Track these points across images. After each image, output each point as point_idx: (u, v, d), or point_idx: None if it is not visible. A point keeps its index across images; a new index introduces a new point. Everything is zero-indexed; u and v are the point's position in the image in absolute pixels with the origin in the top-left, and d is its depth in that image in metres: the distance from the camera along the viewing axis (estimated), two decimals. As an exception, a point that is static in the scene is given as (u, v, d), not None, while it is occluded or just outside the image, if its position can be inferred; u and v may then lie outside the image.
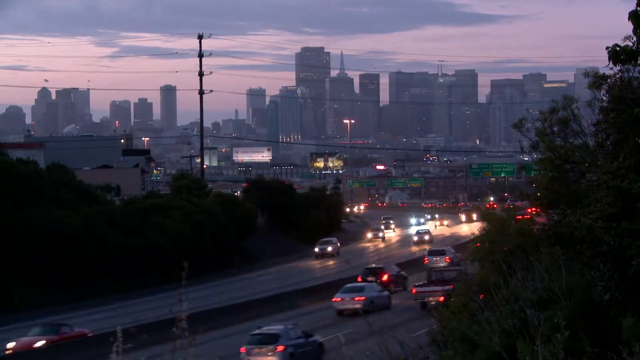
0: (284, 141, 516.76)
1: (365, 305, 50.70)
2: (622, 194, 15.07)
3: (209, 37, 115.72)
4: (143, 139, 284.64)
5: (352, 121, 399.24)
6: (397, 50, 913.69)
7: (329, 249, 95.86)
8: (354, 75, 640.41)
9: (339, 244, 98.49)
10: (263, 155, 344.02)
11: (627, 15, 12.98)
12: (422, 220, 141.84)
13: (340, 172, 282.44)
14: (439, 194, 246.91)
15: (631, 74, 16.66)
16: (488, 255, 27.15)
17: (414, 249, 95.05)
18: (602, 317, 14.66)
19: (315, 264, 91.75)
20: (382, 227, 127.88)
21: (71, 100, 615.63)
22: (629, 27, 13.22)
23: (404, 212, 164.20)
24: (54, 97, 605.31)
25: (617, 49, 13.49)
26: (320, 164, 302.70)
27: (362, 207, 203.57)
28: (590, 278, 15.59)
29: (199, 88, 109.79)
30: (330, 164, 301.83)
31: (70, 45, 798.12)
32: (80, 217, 73.60)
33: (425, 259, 73.20)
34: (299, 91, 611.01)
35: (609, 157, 16.46)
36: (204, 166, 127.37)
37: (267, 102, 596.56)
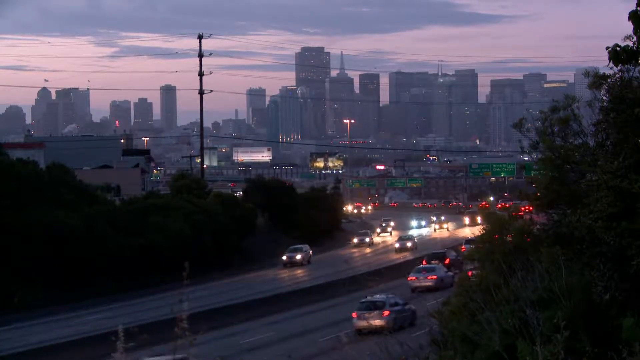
0: (284, 141, 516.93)
1: (437, 283, 59.30)
2: (622, 194, 15.07)
3: (209, 37, 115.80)
4: (143, 139, 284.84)
5: (352, 121, 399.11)
6: (397, 50, 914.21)
7: (298, 257, 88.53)
8: (354, 75, 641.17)
9: (310, 252, 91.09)
10: (263, 155, 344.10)
11: (627, 15, 12.98)
12: (423, 222, 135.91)
13: (340, 172, 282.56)
14: (439, 194, 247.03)
15: (631, 73, 16.66)
16: (488, 255, 27.13)
17: (395, 256, 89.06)
18: (602, 317, 14.65)
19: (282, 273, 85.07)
20: (378, 230, 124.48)
21: (71, 100, 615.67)
22: (629, 27, 13.22)
23: (411, 213, 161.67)
24: (54, 97, 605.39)
25: (618, 48, 13.49)
26: (320, 164, 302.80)
27: (369, 207, 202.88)
28: (590, 278, 15.58)
29: (199, 88, 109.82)
30: (330, 164, 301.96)
31: (71, 45, 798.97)
32: (80, 217, 73.58)
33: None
34: (299, 91, 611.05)
35: (609, 157, 16.45)
36: (204, 166, 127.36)
37: (267, 102, 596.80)
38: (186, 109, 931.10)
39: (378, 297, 47.68)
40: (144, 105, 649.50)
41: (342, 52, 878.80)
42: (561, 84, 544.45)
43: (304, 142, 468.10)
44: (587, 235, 16.23)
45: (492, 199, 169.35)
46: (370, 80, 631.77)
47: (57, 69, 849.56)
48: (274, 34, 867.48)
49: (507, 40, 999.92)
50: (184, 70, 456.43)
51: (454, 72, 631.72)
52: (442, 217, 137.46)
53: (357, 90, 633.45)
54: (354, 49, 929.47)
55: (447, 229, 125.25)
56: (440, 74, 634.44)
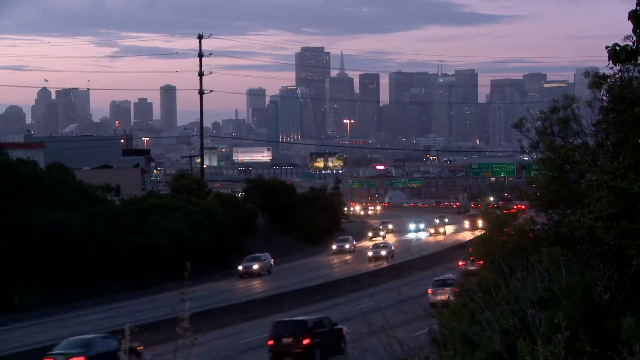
0: (284, 141, 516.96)
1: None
2: (622, 194, 15.08)
3: (209, 37, 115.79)
4: (143, 139, 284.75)
5: (352, 121, 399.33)
6: (397, 50, 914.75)
7: (255, 267, 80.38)
8: (354, 75, 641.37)
9: (271, 261, 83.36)
10: (263, 155, 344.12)
11: (627, 15, 12.98)
12: (421, 225, 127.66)
13: (340, 172, 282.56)
14: (438, 194, 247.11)
15: (631, 73, 16.66)
16: (488, 255, 27.15)
17: (369, 265, 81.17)
18: (602, 317, 14.66)
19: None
20: (370, 234, 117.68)
21: (71, 100, 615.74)
22: (629, 27, 13.22)
23: (420, 214, 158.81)
24: (54, 97, 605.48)
25: (617, 48, 13.49)
26: (320, 164, 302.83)
27: (378, 208, 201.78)
28: (590, 278, 15.59)
29: (199, 88, 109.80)
30: (330, 164, 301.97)
31: (71, 45, 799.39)
32: (80, 217, 73.58)
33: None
34: (299, 91, 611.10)
35: (609, 157, 16.47)
36: (204, 166, 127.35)
37: (267, 102, 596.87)
38: (186, 109, 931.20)
39: (448, 276, 51.65)
40: (144, 105, 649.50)
41: (342, 52, 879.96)
42: (561, 84, 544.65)
43: (304, 142, 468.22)
44: (587, 235, 16.23)
45: (492, 199, 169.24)
46: (370, 80, 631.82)
47: (57, 69, 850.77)
48: (274, 34, 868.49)
49: (507, 40, 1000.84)
50: (184, 70, 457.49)
51: (454, 72, 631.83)
52: (446, 220, 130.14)
53: (357, 90, 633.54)
54: (354, 49, 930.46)
55: (444, 233, 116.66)
56: (440, 74, 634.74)
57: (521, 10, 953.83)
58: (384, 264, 79.71)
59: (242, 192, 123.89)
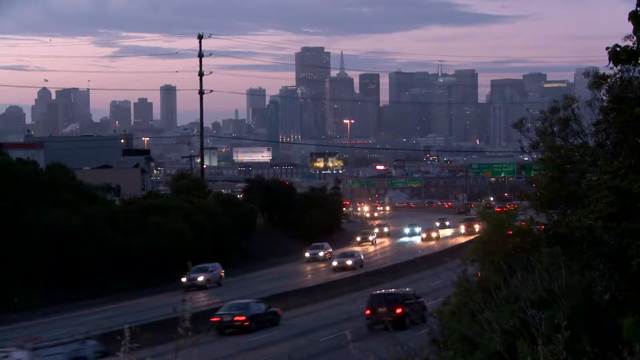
0: (284, 141, 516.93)
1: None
2: (622, 194, 15.09)
3: (209, 37, 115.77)
4: (143, 139, 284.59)
5: (352, 121, 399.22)
6: (397, 50, 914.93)
7: (200, 279, 72.65)
8: (354, 75, 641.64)
9: (221, 272, 75.73)
10: (263, 155, 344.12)
11: (627, 16, 12.99)
12: (417, 229, 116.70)
13: (340, 172, 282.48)
14: (439, 194, 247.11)
15: (631, 73, 16.67)
16: (488, 255, 27.14)
17: (333, 276, 74.84)
18: (602, 317, 14.66)
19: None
20: (358, 238, 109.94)
21: (71, 100, 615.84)
22: (629, 27, 13.24)
23: (428, 214, 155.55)
24: (54, 97, 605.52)
25: (618, 49, 13.51)
26: (320, 164, 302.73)
27: (387, 208, 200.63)
28: (590, 278, 15.59)
29: (199, 88, 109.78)
30: (330, 164, 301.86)
31: (71, 45, 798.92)
32: (80, 217, 73.58)
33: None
34: (299, 91, 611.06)
35: (609, 157, 16.48)
36: (204, 166, 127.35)
37: (267, 102, 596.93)
38: (186, 109, 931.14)
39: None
40: (144, 105, 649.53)
41: (342, 52, 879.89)
42: (561, 84, 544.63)
43: (304, 142, 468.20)
44: (587, 235, 16.25)
45: (492, 199, 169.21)
46: (370, 80, 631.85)
47: (57, 69, 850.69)
48: (274, 34, 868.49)
49: (507, 40, 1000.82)
50: (184, 70, 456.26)
51: (454, 72, 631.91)
52: (447, 222, 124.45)
53: (357, 90, 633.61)
54: (354, 49, 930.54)
55: (437, 238, 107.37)
56: (440, 74, 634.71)
57: (521, 10, 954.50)
58: (349, 274, 73.12)
59: (242, 192, 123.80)
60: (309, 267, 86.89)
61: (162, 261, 74.68)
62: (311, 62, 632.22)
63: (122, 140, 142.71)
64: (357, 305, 46.11)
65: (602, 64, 15.26)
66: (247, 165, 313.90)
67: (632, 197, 14.93)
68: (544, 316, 13.12)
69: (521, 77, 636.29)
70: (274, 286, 68.75)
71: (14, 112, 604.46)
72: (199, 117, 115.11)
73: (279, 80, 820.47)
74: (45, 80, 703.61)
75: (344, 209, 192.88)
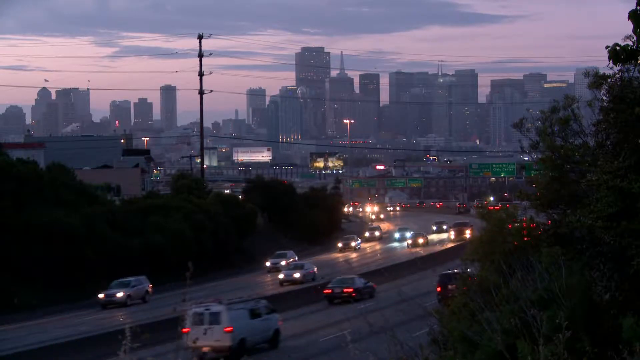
0: (284, 141, 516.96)
1: None
2: (622, 194, 15.08)
3: (209, 37, 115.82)
4: (143, 139, 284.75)
5: (352, 121, 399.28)
6: (397, 50, 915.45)
7: (119, 294, 64.49)
8: (354, 75, 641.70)
9: (147, 287, 66.94)
10: (263, 155, 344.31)
11: (627, 15, 12.98)
12: (407, 234, 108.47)
13: (340, 172, 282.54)
14: (439, 194, 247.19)
15: (631, 73, 16.66)
16: (488, 255, 27.14)
17: (280, 289, 67.79)
18: (602, 317, 14.66)
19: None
20: (340, 244, 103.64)
21: (71, 100, 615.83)
22: (629, 27, 13.23)
23: (438, 215, 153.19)
24: (54, 97, 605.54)
25: (617, 48, 13.49)
26: (320, 164, 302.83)
27: (397, 209, 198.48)
28: (590, 278, 15.59)
29: (199, 88, 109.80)
30: (330, 164, 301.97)
31: (71, 45, 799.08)
32: (80, 217, 73.58)
33: None
34: (299, 91, 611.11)
35: (609, 157, 16.47)
36: (204, 166, 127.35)
37: (267, 102, 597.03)
38: (186, 109, 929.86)
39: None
40: (144, 105, 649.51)
41: (342, 52, 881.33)
42: (561, 84, 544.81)
43: (304, 142, 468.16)
44: (587, 235, 16.25)
45: (492, 199, 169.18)
46: (370, 80, 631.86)
47: (57, 69, 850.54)
48: (274, 34, 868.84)
49: (507, 40, 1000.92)
50: (184, 70, 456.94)
51: (454, 72, 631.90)
52: (444, 226, 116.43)
53: (357, 90, 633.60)
54: (354, 49, 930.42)
55: (424, 244, 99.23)
56: (440, 74, 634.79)
57: (521, 10, 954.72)
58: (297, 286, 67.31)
59: (242, 192, 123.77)
60: (268, 278, 78.25)
61: (162, 261, 74.69)
62: (311, 62, 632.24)
63: (122, 140, 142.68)
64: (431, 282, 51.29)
65: (602, 64, 15.25)
66: (247, 165, 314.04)
67: (632, 197, 14.93)
68: (545, 316, 13.11)
69: (521, 77, 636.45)
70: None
71: (14, 112, 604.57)
72: (199, 117, 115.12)
73: (279, 80, 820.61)
74: (45, 80, 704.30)
75: (351, 209, 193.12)
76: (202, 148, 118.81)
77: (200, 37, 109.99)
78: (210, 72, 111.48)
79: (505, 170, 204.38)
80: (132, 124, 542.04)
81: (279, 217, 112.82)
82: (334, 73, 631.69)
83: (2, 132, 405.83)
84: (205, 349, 38.69)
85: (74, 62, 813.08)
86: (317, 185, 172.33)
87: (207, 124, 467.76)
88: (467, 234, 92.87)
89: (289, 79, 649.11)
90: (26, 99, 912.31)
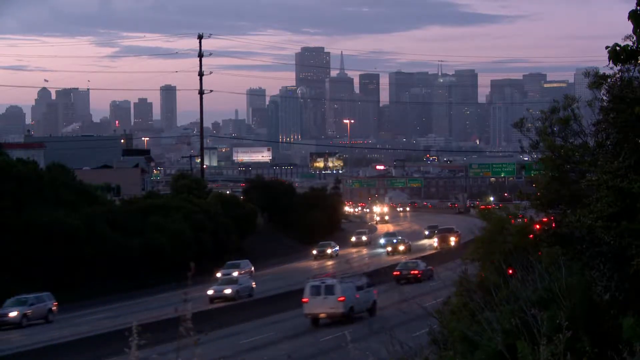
0: (284, 141, 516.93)
1: None
2: (622, 194, 15.08)
3: (209, 37, 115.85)
4: (143, 139, 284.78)
5: (352, 121, 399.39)
6: (397, 50, 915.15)
7: (12, 314, 57.48)
8: (354, 75, 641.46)
9: (52, 304, 60.17)
10: (263, 155, 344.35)
11: (627, 15, 12.98)
12: (394, 240, 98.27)
13: (340, 172, 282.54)
14: (439, 194, 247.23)
15: (631, 73, 16.66)
16: (488, 255, 27.17)
17: (209, 306, 58.20)
18: (602, 317, 14.66)
19: None
20: (315, 252, 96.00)
21: (71, 100, 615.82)
22: (629, 27, 13.22)
23: (450, 216, 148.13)
24: (54, 97, 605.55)
25: (617, 48, 13.48)
26: (320, 164, 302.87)
27: (407, 209, 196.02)
28: (590, 278, 15.59)
29: (199, 88, 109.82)
30: (330, 164, 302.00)
31: (71, 45, 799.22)
32: (80, 217, 73.61)
33: None
34: (299, 91, 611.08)
35: (609, 157, 16.46)
36: (204, 166, 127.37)
37: (267, 102, 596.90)
38: (186, 109, 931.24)
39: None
40: (144, 105, 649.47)
41: (342, 52, 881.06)
42: (561, 84, 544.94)
43: (304, 142, 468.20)
44: (587, 235, 16.24)
45: (492, 199, 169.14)
46: (370, 80, 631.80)
47: (57, 69, 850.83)
48: (274, 34, 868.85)
49: (507, 40, 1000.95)
50: (184, 70, 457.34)
51: (454, 72, 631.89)
52: (435, 231, 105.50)
53: (357, 90, 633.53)
54: (354, 49, 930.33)
55: (404, 251, 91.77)
56: (440, 74, 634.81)
57: (521, 10, 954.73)
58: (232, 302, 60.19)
59: (242, 192, 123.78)
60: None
61: (162, 261, 74.70)
62: (311, 62, 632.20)
63: (122, 140, 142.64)
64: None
65: (602, 64, 15.25)
66: (247, 165, 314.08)
67: (632, 197, 14.93)
68: (545, 316, 13.11)
69: (521, 77, 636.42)
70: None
71: (14, 112, 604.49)
72: (199, 117, 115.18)
73: (279, 80, 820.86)
74: (45, 80, 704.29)
75: (357, 209, 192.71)
76: (202, 148, 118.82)
77: (200, 37, 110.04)
78: (210, 72, 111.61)
79: (505, 170, 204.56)
80: (132, 124, 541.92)
81: (279, 217, 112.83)
82: (334, 73, 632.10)
83: (2, 132, 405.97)
84: (322, 315, 47.96)
85: (74, 62, 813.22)
86: (317, 185, 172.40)
87: (207, 124, 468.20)
88: (452, 241, 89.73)
89: (289, 79, 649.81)
90: (26, 99, 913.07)
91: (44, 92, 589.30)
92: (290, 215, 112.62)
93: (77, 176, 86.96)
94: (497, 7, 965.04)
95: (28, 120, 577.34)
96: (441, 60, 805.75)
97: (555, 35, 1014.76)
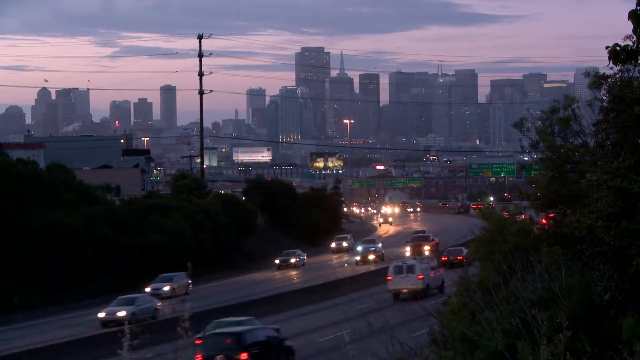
0: (284, 141, 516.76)
1: None
2: (622, 194, 15.08)
3: (209, 37, 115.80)
4: (143, 139, 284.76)
5: (352, 121, 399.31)
6: (397, 50, 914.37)
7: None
8: (354, 75, 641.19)
9: None
10: (263, 155, 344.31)
11: (627, 15, 12.98)
12: (372, 248, 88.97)
13: (340, 172, 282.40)
14: (439, 194, 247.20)
15: (631, 73, 16.66)
16: (488, 255, 27.15)
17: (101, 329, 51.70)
18: (602, 317, 14.66)
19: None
20: (277, 261, 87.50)
21: (71, 100, 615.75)
22: (629, 27, 13.22)
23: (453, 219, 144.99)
24: (54, 97, 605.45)
25: (617, 48, 13.49)
26: (320, 164, 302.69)
27: (418, 209, 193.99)
28: (590, 278, 15.59)
29: (199, 88, 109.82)
30: (330, 164, 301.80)
31: (71, 45, 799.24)
32: (80, 217, 73.60)
33: None
34: (299, 91, 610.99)
35: (609, 157, 16.46)
36: (204, 166, 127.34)
37: (267, 102, 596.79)
38: (186, 109, 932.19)
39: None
40: (144, 106, 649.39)
41: (342, 52, 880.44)
42: (561, 84, 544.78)
43: (304, 142, 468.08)
44: (587, 235, 16.23)
45: (491, 199, 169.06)
46: (370, 80, 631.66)
47: (57, 69, 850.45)
48: (274, 34, 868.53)
49: (507, 40, 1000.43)
50: (184, 70, 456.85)
51: (454, 72, 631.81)
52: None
53: (357, 90, 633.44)
54: (354, 49, 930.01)
55: (375, 260, 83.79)
56: (440, 74, 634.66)
57: (521, 10, 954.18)
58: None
59: (242, 192, 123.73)
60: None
61: (162, 261, 74.66)
62: (311, 62, 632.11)
63: (122, 140, 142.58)
64: None
65: (602, 64, 15.24)
66: (247, 165, 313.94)
67: (632, 197, 14.92)
68: (545, 316, 13.10)
69: (521, 77, 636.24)
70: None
71: (14, 112, 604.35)
72: (199, 117, 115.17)
73: (279, 80, 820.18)
74: (45, 80, 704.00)
75: (362, 210, 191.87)
76: (202, 148, 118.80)
77: (200, 37, 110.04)
78: (210, 72, 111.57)
79: (505, 170, 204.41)
80: (132, 124, 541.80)
81: (279, 217, 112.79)
82: (334, 73, 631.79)
83: (2, 132, 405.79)
84: (404, 291, 55.64)
85: (74, 62, 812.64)
86: (317, 185, 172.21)
87: (207, 124, 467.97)
88: (426, 250, 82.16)
89: (289, 79, 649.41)
90: (26, 99, 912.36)
91: (44, 92, 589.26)
92: (290, 215, 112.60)
93: (77, 176, 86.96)
94: (497, 7, 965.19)
95: (28, 120, 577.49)
96: (441, 60, 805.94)
97: (555, 35, 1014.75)
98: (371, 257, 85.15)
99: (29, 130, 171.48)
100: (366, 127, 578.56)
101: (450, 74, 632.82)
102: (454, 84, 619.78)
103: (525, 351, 12.47)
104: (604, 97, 18.48)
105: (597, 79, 18.61)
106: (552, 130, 23.20)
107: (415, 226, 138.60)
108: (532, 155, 26.64)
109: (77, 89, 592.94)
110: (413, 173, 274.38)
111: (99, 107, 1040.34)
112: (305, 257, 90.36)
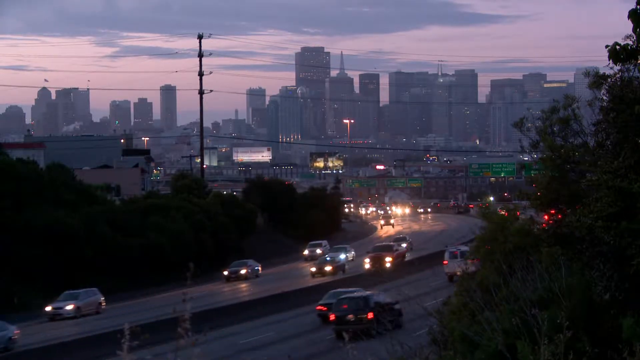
0: (284, 141, 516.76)
1: None
2: (622, 194, 15.08)
3: (209, 37, 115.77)
4: (143, 139, 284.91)
5: (352, 121, 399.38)
6: (397, 50, 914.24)
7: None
8: (354, 75, 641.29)
9: None
10: (263, 155, 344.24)
11: (627, 15, 12.98)
12: (347, 255, 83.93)
13: (340, 172, 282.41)
14: (439, 194, 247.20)
15: (631, 73, 16.66)
16: (488, 255, 27.15)
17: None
18: (602, 317, 14.66)
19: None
20: (226, 272, 79.12)
21: (71, 100, 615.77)
22: (629, 27, 13.23)
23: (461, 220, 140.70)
24: (54, 97, 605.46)
25: (617, 47, 13.49)
26: (320, 163, 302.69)
27: (429, 210, 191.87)
28: (590, 278, 15.59)
29: (199, 88, 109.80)
30: (330, 164, 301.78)
31: (71, 45, 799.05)
32: (80, 217, 73.60)
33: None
34: (299, 91, 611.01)
35: (609, 157, 16.46)
36: (204, 166, 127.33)
37: (267, 102, 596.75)
38: (186, 109, 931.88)
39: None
40: (143, 105, 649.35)
41: (342, 52, 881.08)
42: (561, 84, 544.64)
43: (304, 142, 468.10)
44: (587, 235, 16.24)
45: (492, 199, 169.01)
46: (370, 80, 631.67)
47: (57, 69, 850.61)
48: (274, 34, 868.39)
49: (507, 40, 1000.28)
50: (184, 70, 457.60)
51: (454, 72, 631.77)
52: (403, 245, 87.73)
53: (357, 90, 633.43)
54: (354, 49, 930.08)
55: (331, 272, 74.23)
56: (440, 74, 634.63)
57: (521, 10, 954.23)
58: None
59: (242, 192, 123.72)
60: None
61: (162, 261, 74.67)
62: (311, 62, 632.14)
63: (122, 140, 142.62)
64: None
65: (602, 64, 15.25)
66: (247, 165, 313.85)
67: (632, 197, 14.93)
68: (545, 316, 13.10)
69: (521, 77, 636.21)
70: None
71: (14, 112, 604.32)
72: (199, 117, 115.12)
73: (279, 80, 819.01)
74: (45, 80, 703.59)
75: (369, 210, 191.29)
76: (202, 148, 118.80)
77: (200, 37, 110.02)
78: (210, 72, 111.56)
79: (505, 170, 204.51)
80: (132, 124, 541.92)
81: (279, 217, 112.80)
82: (334, 73, 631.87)
83: (2, 132, 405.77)
84: (458, 273, 55.17)
85: (74, 62, 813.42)
86: (317, 185, 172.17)
87: (207, 124, 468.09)
88: (387, 263, 74.20)
89: (289, 79, 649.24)
90: (26, 99, 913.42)
91: (44, 92, 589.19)
92: (290, 215, 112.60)
93: (77, 176, 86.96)
94: (497, 7, 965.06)
95: (28, 120, 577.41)
96: (441, 60, 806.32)
97: (555, 35, 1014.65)
98: (328, 268, 75.10)
99: (29, 130, 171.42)
100: (366, 127, 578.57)
101: (450, 74, 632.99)
102: (454, 84, 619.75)
103: (526, 351, 12.47)
104: (604, 97, 18.47)
105: (597, 79, 18.61)
106: (552, 130, 23.21)
107: (416, 227, 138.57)
108: (532, 155, 26.64)
109: (77, 89, 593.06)
110: (413, 173, 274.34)
111: (99, 107, 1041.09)
112: (259, 268, 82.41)
